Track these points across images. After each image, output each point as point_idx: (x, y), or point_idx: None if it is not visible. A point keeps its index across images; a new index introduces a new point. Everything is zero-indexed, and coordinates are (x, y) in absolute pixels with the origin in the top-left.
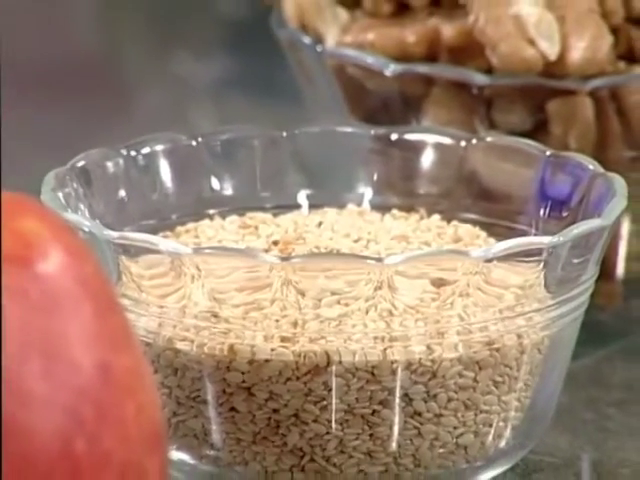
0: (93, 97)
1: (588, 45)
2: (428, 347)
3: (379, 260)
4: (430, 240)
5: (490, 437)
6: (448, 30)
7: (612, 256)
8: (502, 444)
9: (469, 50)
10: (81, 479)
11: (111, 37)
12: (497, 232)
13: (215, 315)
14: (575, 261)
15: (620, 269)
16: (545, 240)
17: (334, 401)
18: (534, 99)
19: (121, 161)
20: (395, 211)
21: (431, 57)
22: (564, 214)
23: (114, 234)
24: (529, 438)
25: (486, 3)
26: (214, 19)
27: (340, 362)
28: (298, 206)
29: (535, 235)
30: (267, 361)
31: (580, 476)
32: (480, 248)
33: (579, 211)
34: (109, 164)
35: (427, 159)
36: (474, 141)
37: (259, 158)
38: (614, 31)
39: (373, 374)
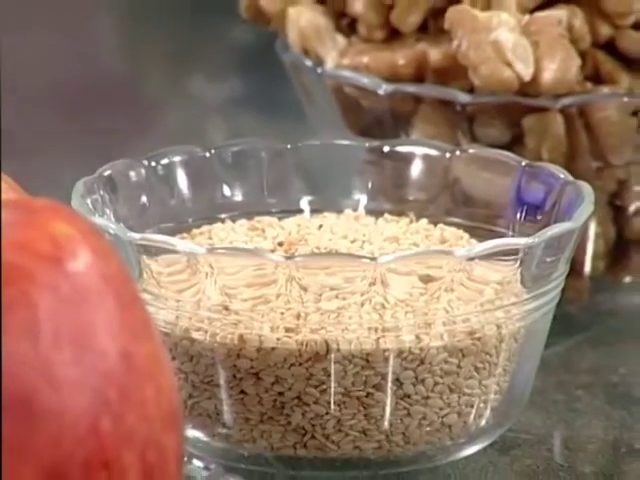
0: (118, 114)
1: (559, 67)
2: (417, 337)
3: (373, 259)
4: (419, 241)
5: (472, 417)
6: (434, 54)
7: (580, 255)
8: (482, 423)
9: (453, 72)
10: (106, 454)
11: (134, 61)
12: (479, 234)
13: (226, 308)
14: (548, 260)
15: (587, 267)
16: (521, 241)
17: (332, 385)
18: (511, 115)
19: (143, 170)
20: (387, 215)
21: (419, 78)
22: (538, 218)
23: (136, 236)
24: (507, 418)
25: (468, 30)
26: (226, 45)
27: (338, 350)
28: (301, 211)
29: (512, 237)
30: (273, 349)
31: (552, 451)
32: (463, 248)
33: (552, 215)
34: (132, 173)
35: (416, 169)
36: (457, 152)
37: (266, 168)
38: (582, 55)
39: (367, 361)
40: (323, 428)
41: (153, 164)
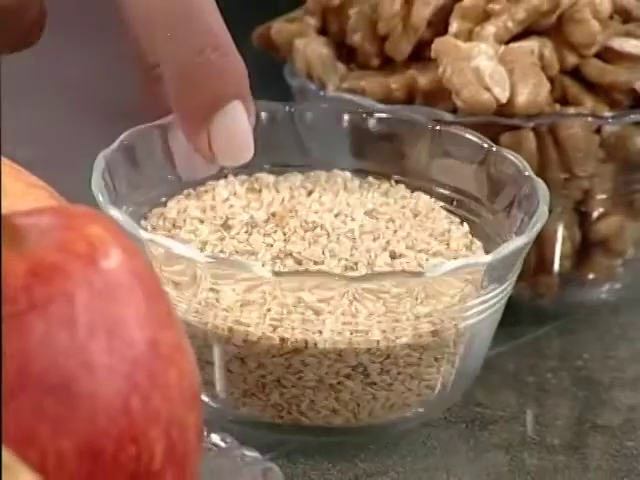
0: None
1: (531, 91)
2: (384, 337)
3: (347, 278)
4: (394, 216)
5: (430, 397)
6: (423, 79)
7: (550, 255)
8: (439, 398)
9: (439, 95)
10: (135, 430)
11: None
12: (450, 202)
13: (217, 300)
14: (501, 268)
15: (556, 266)
16: (481, 260)
17: (308, 373)
18: (489, 133)
19: (158, 138)
20: (371, 178)
21: (409, 100)
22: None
23: (147, 236)
24: (458, 392)
25: (452, 58)
26: None
27: (315, 346)
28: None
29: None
30: (257, 341)
31: (525, 427)
32: (429, 268)
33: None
34: (145, 139)
35: (401, 137)
36: (438, 127)
37: (263, 128)
38: (551, 80)
39: (340, 355)
40: (298, 406)
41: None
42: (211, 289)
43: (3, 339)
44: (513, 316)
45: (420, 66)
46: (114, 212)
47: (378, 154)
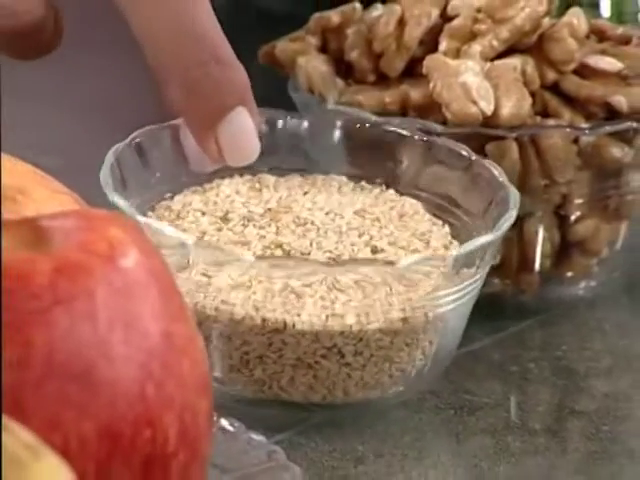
0: None
1: (514, 104)
2: (358, 321)
3: (326, 264)
4: (381, 216)
5: (400, 378)
6: (415, 93)
7: (531, 255)
8: (409, 382)
9: (430, 108)
10: (151, 415)
11: None
12: (433, 207)
13: (208, 283)
14: (471, 262)
15: (537, 264)
16: (449, 253)
17: (288, 352)
18: (476, 143)
19: (167, 136)
20: (364, 183)
21: (403, 113)
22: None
23: (143, 220)
24: (432, 377)
25: (442, 74)
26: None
27: (294, 327)
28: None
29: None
30: (242, 320)
31: (509, 412)
32: (402, 259)
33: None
34: (158, 138)
35: (394, 148)
36: (425, 139)
37: (266, 135)
38: (532, 95)
39: (317, 337)
40: (278, 382)
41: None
42: (203, 274)
43: (27, 333)
44: (498, 311)
45: (412, 81)
46: (117, 199)
47: (370, 162)
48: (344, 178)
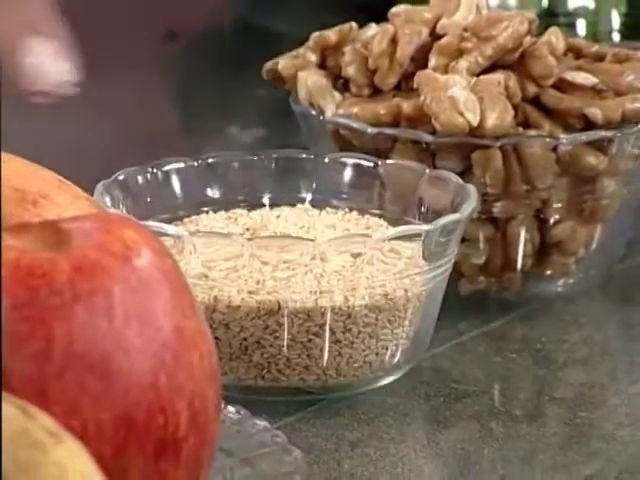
0: (174, 150)
1: (498, 116)
2: (345, 298)
3: (312, 240)
4: (350, 228)
5: (386, 356)
6: (407, 106)
7: (514, 255)
8: (394, 361)
9: (420, 119)
10: (163, 402)
11: (188, 113)
12: (395, 223)
13: (205, 276)
14: (442, 240)
15: (519, 263)
16: (423, 227)
17: (283, 333)
18: (463, 151)
19: (148, 175)
20: (328, 208)
21: (395, 123)
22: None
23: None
24: (413, 357)
25: (431, 88)
26: (253, 100)
27: (287, 307)
28: (264, 205)
29: (418, 224)
30: (239, 306)
31: (493, 399)
32: (379, 232)
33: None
34: (140, 177)
35: (351, 174)
36: (380, 163)
37: (238, 173)
38: (515, 107)
39: (309, 315)
40: (276, 365)
41: (155, 170)
42: (198, 264)
43: (49, 326)
44: (483, 306)
45: (404, 95)
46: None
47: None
48: (309, 205)
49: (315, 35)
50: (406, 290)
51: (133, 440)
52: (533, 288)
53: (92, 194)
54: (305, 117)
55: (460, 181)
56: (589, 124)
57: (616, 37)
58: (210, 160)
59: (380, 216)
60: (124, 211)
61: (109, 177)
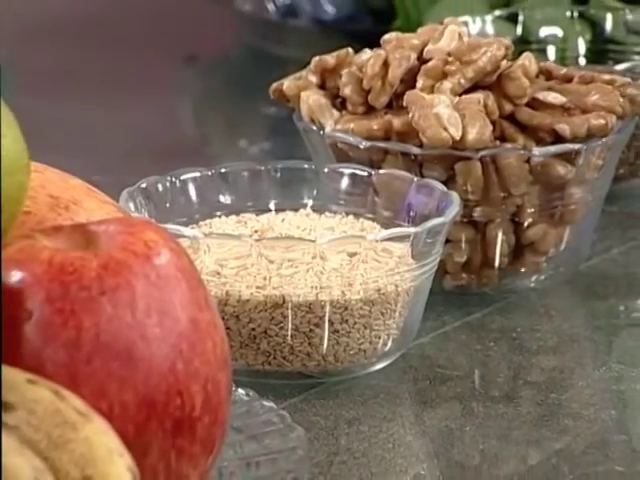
0: (191, 163)
1: (478, 131)
2: (343, 292)
3: (313, 241)
4: (347, 230)
5: (379, 345)
6: (397, 122)
7: (492, 254)
8: (386, 349)
9: (409, 133)
10: (180, 386)
11: (204, 129)
12: (387, 226)
13: (218, 273)
14: (429, 241)
15: (497, 262)
16: (411, 230)
17: (287, 324)
18: (447, 162)
19: (168, 184)
20: (327, 213)
21: (387, 138)
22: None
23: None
24: (403, 345)
25: (419, 106)
26: (261, 117)
27: (291, 301)
28: (270, 210)
29: (407, 227)
30: (248, 300)
31: (474, 383)
32: (372, 234)
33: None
34: (160, 185)
35: (347, 182)
36: (373, 172)
37: (247, 182)
38: (493, 123)
39: (310, 308)
40: (281, 352)
41: (174, 179)
42: (212, 262)
43: (79, 318)
44: (464, 300)
45: (395, 112)
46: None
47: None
48: (310, 210)
49: (316, 59)
50: (396, 285)
51: (153, 419)
52: (509, 284)
53: (118, 200)
54: (307, 132)
55: (444, 189)
56: (558, 138)
57: (582, 61)
58: (222, 170)
59: (373, 220)
60: (146, 215)
61: (133, 185)
